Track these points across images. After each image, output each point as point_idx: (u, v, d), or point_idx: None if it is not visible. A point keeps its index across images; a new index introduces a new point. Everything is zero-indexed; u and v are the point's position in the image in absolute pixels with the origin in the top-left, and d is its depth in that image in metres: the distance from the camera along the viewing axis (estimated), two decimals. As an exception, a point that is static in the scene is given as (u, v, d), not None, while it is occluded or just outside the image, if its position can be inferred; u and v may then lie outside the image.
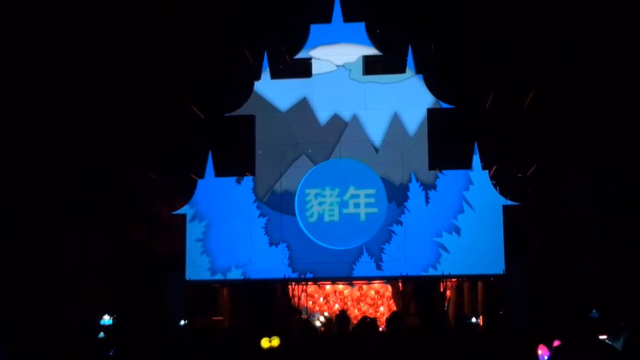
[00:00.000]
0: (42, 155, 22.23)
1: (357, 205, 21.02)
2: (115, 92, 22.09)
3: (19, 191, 21.93)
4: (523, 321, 18.31)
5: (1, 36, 21.21)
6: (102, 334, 17.55)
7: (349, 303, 24.06)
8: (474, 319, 19.20)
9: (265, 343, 11.27)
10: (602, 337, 8.45)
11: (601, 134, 20.81)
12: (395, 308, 23.23)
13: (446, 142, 20.84)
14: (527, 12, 21.01)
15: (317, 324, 22.62)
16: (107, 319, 20.89)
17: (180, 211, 21.36)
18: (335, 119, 21.17)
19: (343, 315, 11.93)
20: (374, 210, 20.88)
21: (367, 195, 20.98)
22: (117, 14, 21.91)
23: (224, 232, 21.18)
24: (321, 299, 24.24)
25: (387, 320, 11.30)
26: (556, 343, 8.78)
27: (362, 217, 20.93)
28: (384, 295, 24.04)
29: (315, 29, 21.38)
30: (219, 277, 21.04)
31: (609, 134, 20.79)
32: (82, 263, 22.64)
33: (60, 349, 10.78)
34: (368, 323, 10.88)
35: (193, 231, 21.24)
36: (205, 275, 21.08)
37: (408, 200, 20.79)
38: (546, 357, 8.84)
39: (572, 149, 21.23)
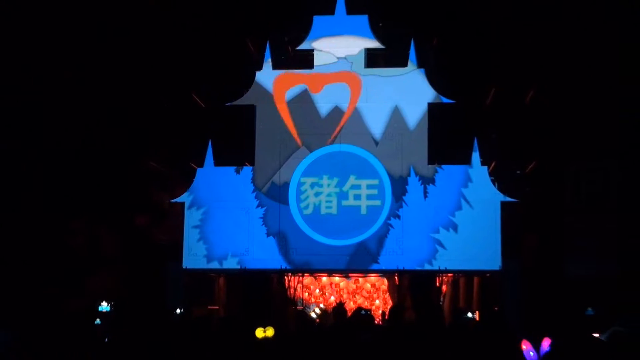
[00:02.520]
0: (46, 143, 22.21)
1: (357, 197, 21.05)
2: (117, 81, 22.04)
3: (23, 180, 21.92)
4: (518, 318, 18.35)
5: None
6: (98, 321, 17.56)
7: (345, 295, 24.10)
8: (469, 314, 19.17)
9: (259, 333, 11.32)
10: (594, 335, 8.48)
11: (603, 131, 20.77)
12: (391, 302, 23.25)
13: (446, 137, 20.83)
14: (529, 7, 20.97)
15: (313, 315, 22.64)
16: (105, 306, 20.89)
17: (179, 199, 21.42)
18: (336, 110, 21.18)
19: (340, 307, 11.97)
20: (377, 202, 20.92)
21: (369, 186, 21.04)
22: (118, 2, 21.87)
23: (221, 221, 21.22)
24: (317, 290, 24.28)
25: (389, 312, 11.31)
26: (545, 341, 8.80)
27: (363, 211, 20.96)
28: (379, 288, 24.07)
29: (318, 20, 21.37)
30: (215, 265, 21.08)
31: (611, 130, 20.75)
32: (84, 251, 22.60)
33: (58, 335, 10.82)
34: (363, 315, 10.90)
35: (191, 218, 21.30)
36: (202, 263, 21.13)
37: (407, 194, 20.81)
38: (532, 353, 8.86)
39: (573, 147, 21.19)
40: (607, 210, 21.13)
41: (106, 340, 12.77)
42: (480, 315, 20.49)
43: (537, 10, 20.86)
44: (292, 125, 21.21)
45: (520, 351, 8.48)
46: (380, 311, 23.53)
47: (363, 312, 10.97)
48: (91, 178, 22.34)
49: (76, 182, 22.34)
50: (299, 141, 21.14)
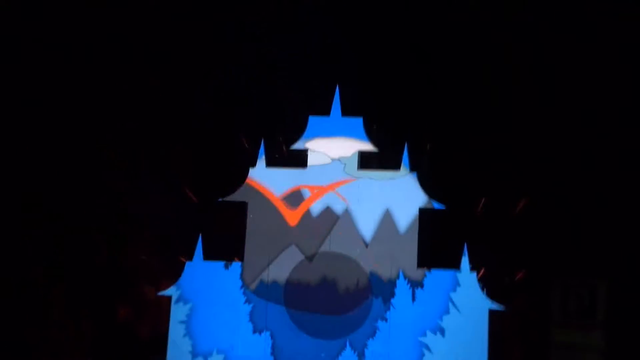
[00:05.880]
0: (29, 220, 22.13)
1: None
2: (104, 169, 22.12)
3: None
4: None
5: None
6: None
7: (330, 397, 23.79)
8: None
9: None
10: None
11: (594, 247, 20.85)
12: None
13: (436, 242, 20.90)
14: (521, 120, 21.25)
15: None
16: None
17: (166, 292, 21.33)
18: (327, 211, 21.26)
19: None
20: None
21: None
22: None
23: (208, 316, 21.14)
24: (302, 391, 24.01)
25: None
26: None
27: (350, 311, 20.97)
28: (365, 391, 23.82)
29: (313, 120, 21.56)
30: (199, 360, 20.96)
31: (602, 248, 20.82)
32: (64, 339, 22.36)
33: None
34: None
35: (177, 313, 21.20)
36: (187, 359, 20.96)
37: (394, 296, 20.79)
38: None
39: (563, 260, 21.22)
40: (594, 326, 21.13)
41: None
42: None
43: (524, 125, 21.15)
44: (282, 224, 21.27)
45: None
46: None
47: None
48: (73, 268, 22.20)
49: (58, 270, 22.18)
50: (288, 240, 21.20)
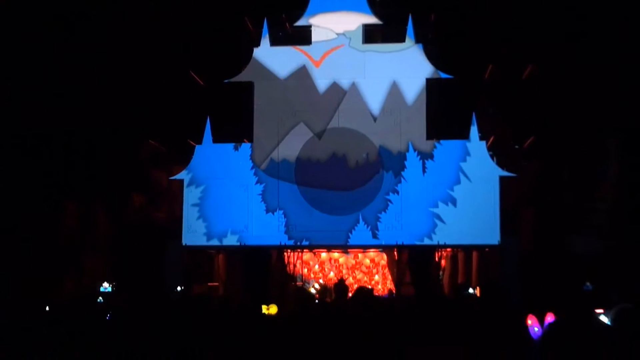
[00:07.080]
0: (43, 120, 22.11)
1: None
2: (114, 58, 21.99)
3: (19, 156, 21.86)
4: (516, 292, 18.41)
5: None
6: (100, 299, 17.62)
7: (344, 271, 24.19)
8: (471, 290, 19.22)
9: (263, 310, 11.36)
10: (598, 310, 8.52)
11: (601, 106, 20.75)
12: (390, 277, 23.37)
13: (444, 112, 20.84)
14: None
15: (312, 291, 22.74)
16: (106, 286, 20.98)
17: (177, 177, 21.45)
18: (334, 87, 21.17)
19: (342, 284, 12.00)
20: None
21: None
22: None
23: (220, 198, 21.23)
24: (316, 266, 24.37)
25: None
26: (549, 316, 8.86)
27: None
28: (379, 263, 24.16)
29: (315, -4, 21.37)
30: (215, 242, 21.11)
31: (609, 106, 20.71)
32: (81, 230, 22.63)
33: (59, 315, 10.85)
34: (365, 293, 10.92)
35: (190, 196, 21.30)
36: (202, 241, 21.15)
37: (405, 169, 20.83)
38: (536, 329, 8.93)
39: (572, 123, 21.17)
40: (605, 187, 21.16)
41: (107, 317, 12.79)
42: (481, 291, 20.57)
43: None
44: (290, 102, 21.22)
45: (525, 326, 8.53)
46: (379, 286, 23.68)
47: (365, 290, 11.00)
48: (88, 158, 22.32)
49: (73, 161, 22.30)
50: (297, 118, 21.16)
